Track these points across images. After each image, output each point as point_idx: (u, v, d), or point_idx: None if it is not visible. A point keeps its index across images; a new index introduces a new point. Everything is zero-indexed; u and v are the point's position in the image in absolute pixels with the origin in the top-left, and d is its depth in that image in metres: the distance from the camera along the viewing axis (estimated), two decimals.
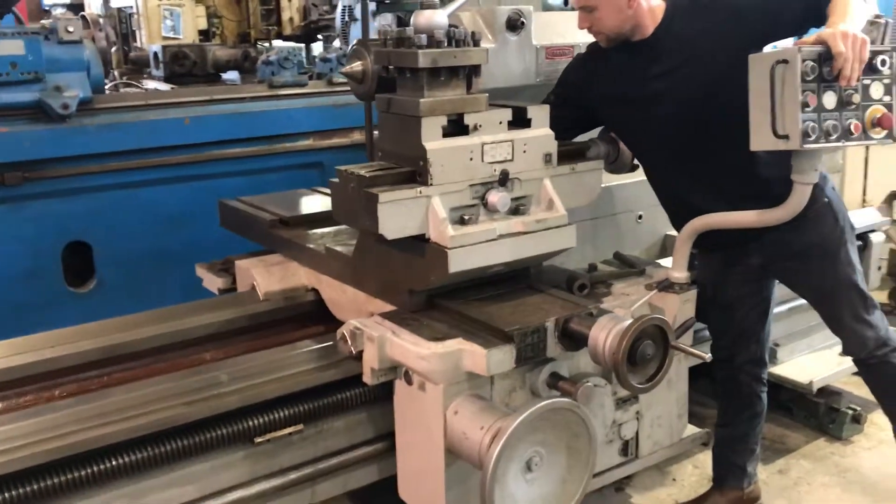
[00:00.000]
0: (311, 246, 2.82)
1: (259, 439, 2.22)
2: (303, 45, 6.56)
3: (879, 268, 3.76)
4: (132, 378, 2.32)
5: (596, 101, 2.66)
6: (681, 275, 2.59)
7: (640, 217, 3.10)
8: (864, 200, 4.45)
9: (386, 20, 4.31)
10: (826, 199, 2.54)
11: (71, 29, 3.34)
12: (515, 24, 2.66)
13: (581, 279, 2.51)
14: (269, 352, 2.46)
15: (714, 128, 2.47)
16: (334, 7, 7.31)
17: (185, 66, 4.75)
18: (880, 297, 4.41)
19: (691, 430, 2.90)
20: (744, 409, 2.87)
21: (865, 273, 3.55)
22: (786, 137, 2.11)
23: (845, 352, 2.74)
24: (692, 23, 2.48)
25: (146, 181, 3.63)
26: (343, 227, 2.94)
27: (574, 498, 2.09)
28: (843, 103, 2.14)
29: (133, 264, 3.34)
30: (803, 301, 3.11)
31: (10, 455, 1.89)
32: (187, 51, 4.82)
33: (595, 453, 2.12)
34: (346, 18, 5.01)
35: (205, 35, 6.59)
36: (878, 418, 3.31)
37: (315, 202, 3.38)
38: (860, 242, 3.60)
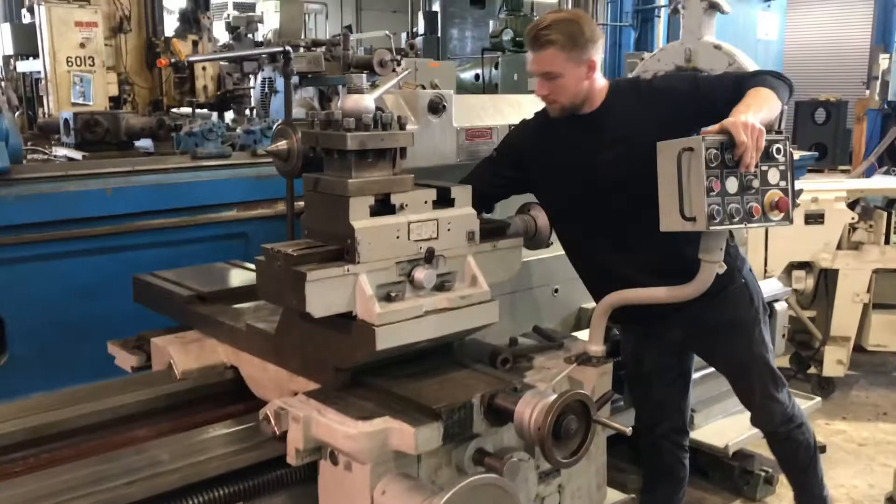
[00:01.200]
0: (231, 322, 2.79)
1: None
2: (215, 113, 6.58)
3: (784, 335, 3.97)
4: (54, 460, 2.22)
5: (534, 166, 2.77)
6: (597, 348, 2.68)
7: (556, 290, 3.20)
8: (765, 271, 4.74)
9: (308, 93, 4.37)
10: (743, 280, 2.74)
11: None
12: (437, 107, 2.76)
13: (504, 353, 2.57)
14: (188, 434, 2.39)
15: (645, 204, 2.56)
16: (246, 76, 7.41)
17: (97, 134, 4.67)
18: (782, 362, 4.67)
19: (616, 495, 2.96)
20: (667, 477, 2.97)
21: (771, 341, 3.79)
22: (693, 219, 2.25)
23: (754, 424, 2.90)
24: (630, 104, 2.66)
25: (64, 253, 3.52)
26: (263, 302, 2.93)
27: None
28: (743, 188, 2.30)
29: (47, 338, 3.22)
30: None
31: None
32: (100, 118, 4.75)
33: None
34: (266, 90, 5.07)
35: (116, 102, 6.53)
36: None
37: (234, 276, 3.34)
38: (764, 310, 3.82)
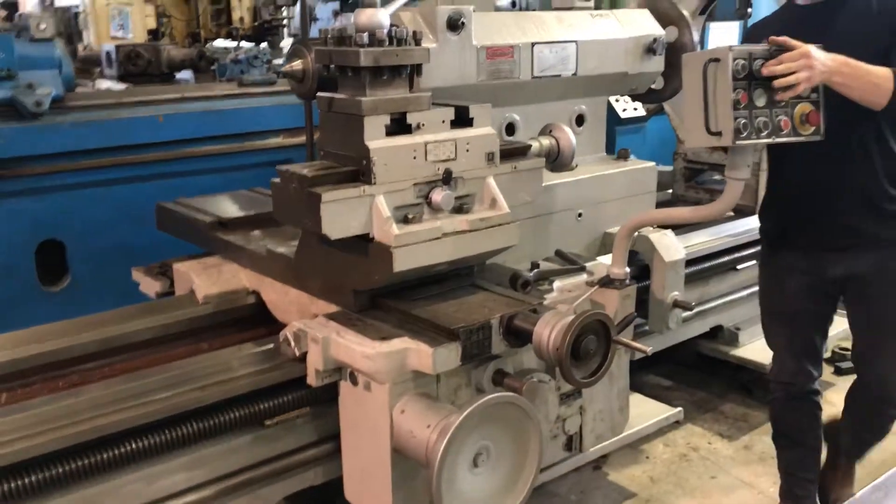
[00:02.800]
0: (252, 247, 2.79)
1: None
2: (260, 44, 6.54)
3: None
4: (85, 381, 2.28)
5: None
6: (620, 271, 2.65)
7: (579, 215, 3.13)
8: None
9: (348, 20, 4.29)
10: None
11: (43, 26, 3.30)
12: (456, 24, 2.67)
13: (524, 277, 2.54)
14: (209, 355, 2.41)
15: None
16: (280, 8, 7.36)
17: (139, 66, 4.69)
18: None
19: (665, 409, 2.97)
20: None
21: None
22: (718, 134, 2.17)
23: (867, 391, 2.73)
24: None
25: (119, 179, 3.59)
26: (284, 227, 2.92)
27: (523, 492, 2.11)
28: (772, 101, 2.21)
29: (104, 261, 3.31)
30: None
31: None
32: (141, 50, 4.76)
33: (542, 447, 2.14)
34: (309, 18, 4.99)
35: (154, 35, 6.53)
36: (832, 395, 3.51)
37: (255, 203, 3.33)
38: None
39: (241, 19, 7.38)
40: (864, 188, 2.47)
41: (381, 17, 2.23)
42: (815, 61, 2.15)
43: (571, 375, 2.13)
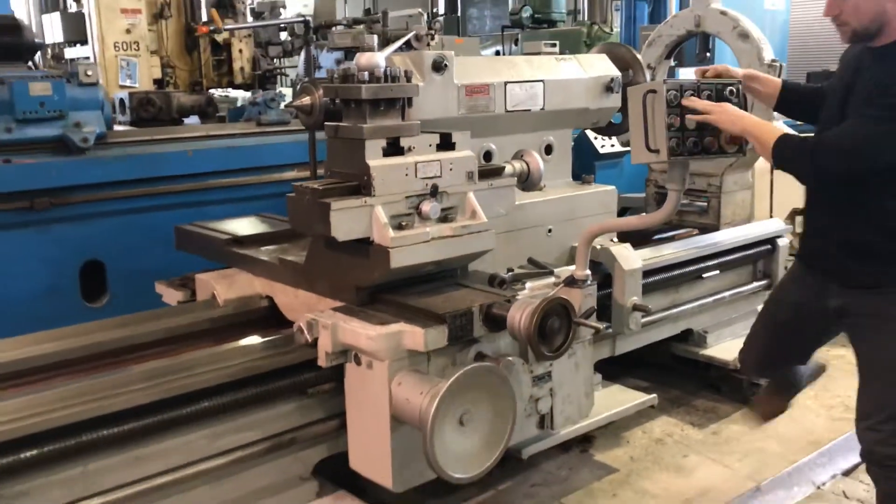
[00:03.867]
0: (265, 258, 3.22)
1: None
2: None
3: (785, 266, 4.43)
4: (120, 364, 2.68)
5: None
6: (582, 273, 3.10)
7: (549, 231, 3.59)
8: (770, 216, 5.10)
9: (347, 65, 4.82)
10: None
11: (89, 73, 3.72)
12: (440, 66, 3.15)
13: (500, 277, 2.98)
14: (233, 343, 2.82)
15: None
16: (272, 59, 7.92)
17: (150, 112, 5.10)
18: None
19: (642, 396, 3.47)
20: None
21: (775, 272, 4.35)
22: (657, 151, 2.65)
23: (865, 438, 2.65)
24: None
25: (154, 206, 4.02)
26: (290, 243, 3.37)
27: (500, 446, 2.53)
28: (700, 125, 2.69)
29: (139, 281, 3.64)
30: (727, 294, 4.08)
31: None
32: (153, 97, 5.18)
33: (515, 411, 2.57)
34: (310, 66, 5.50)
35: (159, 84, 6.97)
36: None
37: (263, 224, 3.78)
38: (769, 246, 4.38)
39: (242, 69, 7.93)
40: (850, 236, 2.64)
41: (378, 59, 2.70)
42: (723, 114, 2.62)
43: (539, 350, 2.56)
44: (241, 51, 7.94)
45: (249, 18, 8.36)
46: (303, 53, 5.98)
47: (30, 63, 4.20)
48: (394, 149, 2.72)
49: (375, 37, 3.01)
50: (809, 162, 2.52)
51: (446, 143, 2.85)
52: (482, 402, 2.51)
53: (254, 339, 2.83)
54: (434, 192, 2.77)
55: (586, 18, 9.85)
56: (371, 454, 2.70)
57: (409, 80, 2.76)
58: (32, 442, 2.19)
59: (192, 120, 5.72)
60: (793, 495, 3.22)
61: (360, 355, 2.64)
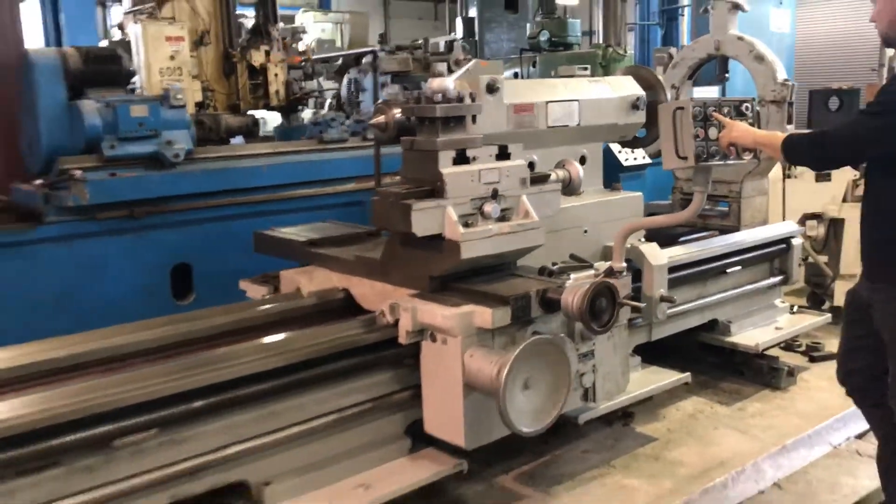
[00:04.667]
0: (343, 256, 3.71)
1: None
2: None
3: (799, 264, 4.94)
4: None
5: None
6: (619, 265, 3.57)
7: (585, 231, 4.08)
8: (783, 218, 5.59)
9: (393, 90, 5.34)
10: None
11: (179, 97, 4.24)
12: (493, 88, 3.65)
13: (549, 269, 3.46)
14: (325, 325, 3.30)
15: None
16: (300, 81, 8.45)
17: (201, 132, 5.61)
18: (800, 299, 5.66)
19: (676, 374, 3.96)
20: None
21: (789, 268, 4.86)
22: (685, 158, 3.14)
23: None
24: None
25: (233, 215, 4.53)
26: (358, 244, 3.86)
27: (559, 405, 2.99)
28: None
29: (223, 281, 4.08)
30: (748, 287, 4.58)
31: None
32: (203, 118, 5.67)
33: (571, 377, 3.04)
34: (353, 89, 6.02)
35: (199, 106, 7.48)
36: (807, 375, 4.60)
37: (328, 229, 4.25)
38: (784, 245, 4.85)
39: (277, 92, 8.48)
40: (873, 233, 2.96)
41: (448, 83, 3.21)
42: (735, 131, 3.12)
43: (590, 326, 3.03)
44: (276, 75, 8.49)
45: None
46: (345, 79, 6.51)
47: None
48: (461, 158, 3.21)
49: (445, 65, 3.51)
50: (815, 150, 2.93)
51: (503, 154, 3.34)
52: (542, 369, 2.98)
53: (341, 323, 3.30)
54: (494, 195, 3.26)
55: (601, 41, 10.38)
56: (445, 418, 3.16)
57: (473, 99, 3.25)
58: (199, 394, 2.67)
59: (237, 140, 6.23)
60: (813, 454, 3.67)
61: (436, 333, 3.10)
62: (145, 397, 2.51)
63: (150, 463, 2.57)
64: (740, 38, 4.98)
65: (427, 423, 3.26)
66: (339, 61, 8.01)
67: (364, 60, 6.38)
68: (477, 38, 13.37)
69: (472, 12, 14.52)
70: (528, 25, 11.73)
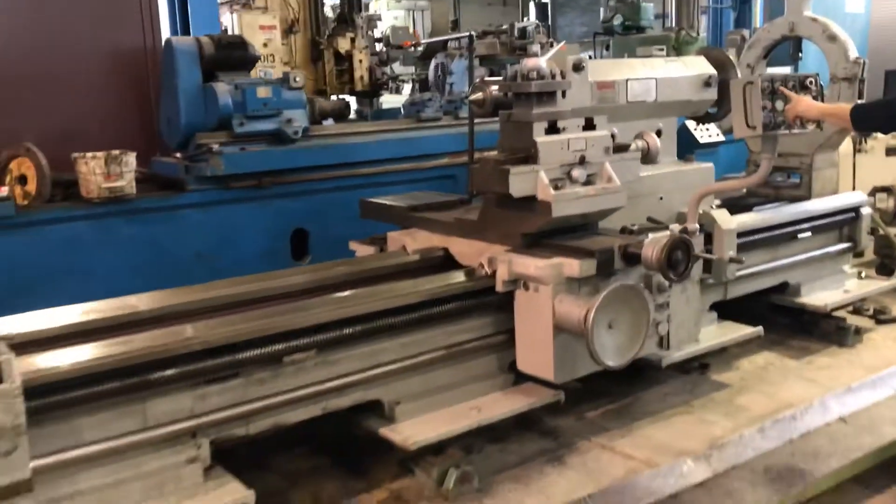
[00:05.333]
0: (442, 218, 4.19)
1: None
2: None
3: (868, 232, 5.27)
4: None
5: None
6: (693, 225, 3.95)
7: (661, 198, 4.46)
8: (853, 190, 5.86)
9: (480, 72, 5.81)
10: None
11: (298, 79, 4.79)
12: (579, 67, 4.06)
13: (629, 228, 3.88)
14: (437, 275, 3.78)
15: None
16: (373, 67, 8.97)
17: None
18: (870, 271, 5.88)
19: (750, 328, 4.35)
20: None
21: (859, 235, 5.23)
22: (754, 128, 3.51)
23: None
24: None
25: (343, 186, 5.07)
26: (452, 209, 4.32)
27: (638, 344, 3.42)
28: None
29: (336, 245, 4.54)
30: (817, 252, 4.91)
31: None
32: None
33: (650, 317, 3.46)
34: (440, 73, 6.51)
35: None
36: (873, 335, 5.01)
37: (425, 197, 4.73)
38: (853, 214, 5.19)
39: (362, 77, 9.03)
40: None
41: (541, 63, 3.64)
42: (800, 105, 3.45)
43: (668, 275, 3.44)
44: (360, 61, 9.05)
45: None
46: (432, 61, 7.00)
47: None
48: (552, 129, 3.64)
49: (538, 46, 3.95)
50: (882, 111, 3.33)
51: (589, 125, 3.77)
52: (624, 312, 3.41)
53: (446, 274, 3.79)
54: (581, 161, 3.68)
55: (674, 24, 10.62)
56: (537, 357, 3.61)
57: (562, 77, 3.68)
58: (348, 323, 3.22)
59: (328, 122, 6.75)
60: (876, 394, 4.00)
61: (529, 282, 3.56)
62: (308, 323, 3.08)
63: (309, 379, 3.13)
64: (814, 20, 5.26)
65: (520, 362, 3.71)
66: (422, 48, 8.50)
67: (450, 45, 6.84)
68: (550, 21, 13.69)
69: None
70: (601, 10, 12.05)
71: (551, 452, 3.66)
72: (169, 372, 2.74)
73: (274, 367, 3.04)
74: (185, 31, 5.07)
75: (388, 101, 9.88)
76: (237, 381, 2.98)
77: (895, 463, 3.34)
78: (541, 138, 3.60)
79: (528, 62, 3.64)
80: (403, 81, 13.13)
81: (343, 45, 9.09)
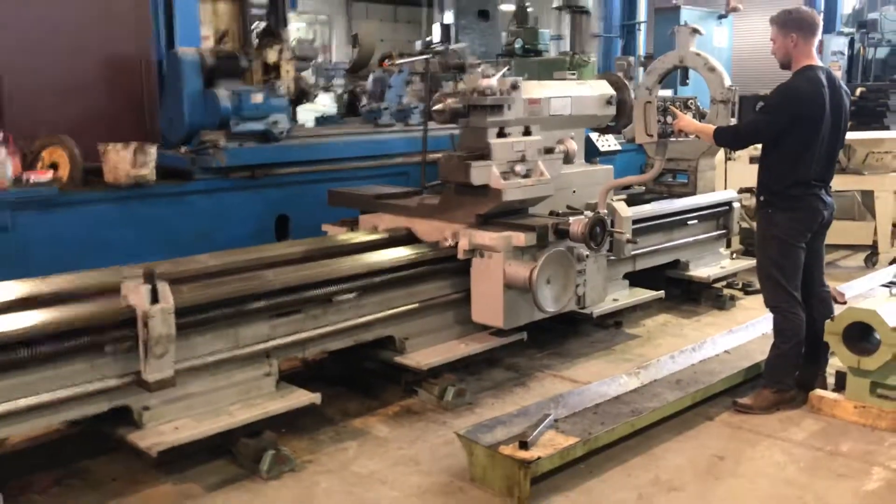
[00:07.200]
0: (406, 203, 5.20)
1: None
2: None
3: (737, 222, 6.67)
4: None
5: None
6: (603, 211, 5.13)
7: (574, 191, 5.60)
8: (725, 188, 7.25)
9: (417, 86, 6.84)
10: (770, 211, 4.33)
11: (282, 87, 5.65)
12: (516, 86, 5.14)
13: (556, 212, 5.01)
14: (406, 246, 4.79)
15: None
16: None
17: None
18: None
19: (653, 292, 5.58)
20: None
21: (731, 224, 6.61)
22: (651, 136, 4.70)
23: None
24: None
25: (319, 179, 5.88)
26: (409, 197, 5.33)
27: (569, 295, 4.56)
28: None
29: (312, 227, 5.34)
30: (701, 236, 6.20)
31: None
32: None
33: (575, 276, 4.61)
34: (381, 87, 7.49)
35: None
36: (743, 302, 6.32)
37: (385, 189, 5.73)
38: (727, 207, 6.53)
39: (289, 87, 9.91)
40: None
41: (493, 81, 4.73)
42: (683, 121, 4.66)
43: (590, 245, 4.59)
44: (287, 71, 9.93)
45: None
46: (371, 76, 8.00)
47: None
48: (501, 133, 4.74)
49: (490, 67, 5.04)
50: (729, 135, 4.60)
51: (527, 132, 4.89)
52: (559, 271, 4.54)
53: (417, 244, 4.81)
54: (523, 159, 4.80)
55: (569, 48, 11.99)
56: (489, 309, 4.67)
57: (509, 93, 4.79)
58: (369, 275, 4.22)
59: None
60: (749, 335, 5.13)
61: (484, 251, 4.62)
62: (351, 272, 4.13)
63: (346, 317, 4.11)
64: (698, 54, 6.63)
65: (475, 314, 4.76)
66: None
67: (387, 63, 7.88)
68: (453, 42, 14.83)
69: (447, 18, 16.07)
70: (502, 34, 13.36)
71: (516, 380, 4.80)
72: (255, 305, 3.68)
73: (325, 305, 4.01)
74: (171, 44, 5.82)
75: (301, 108, 10.81)
76: (299, 315, 3.93)
77: (757, 378, 4.56)
78: (493, 140, 4.69)
79: (483, 81, 4.73)
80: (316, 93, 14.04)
81: (271, 56, 9.95)
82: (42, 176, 4.67)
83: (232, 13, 9.88)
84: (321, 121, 8.90)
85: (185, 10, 5.89)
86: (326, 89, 13.13)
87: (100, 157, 4.96)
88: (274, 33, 10.51)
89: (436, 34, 15.59)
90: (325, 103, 12.83)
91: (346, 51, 26.06)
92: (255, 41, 10.27)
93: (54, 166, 4.84)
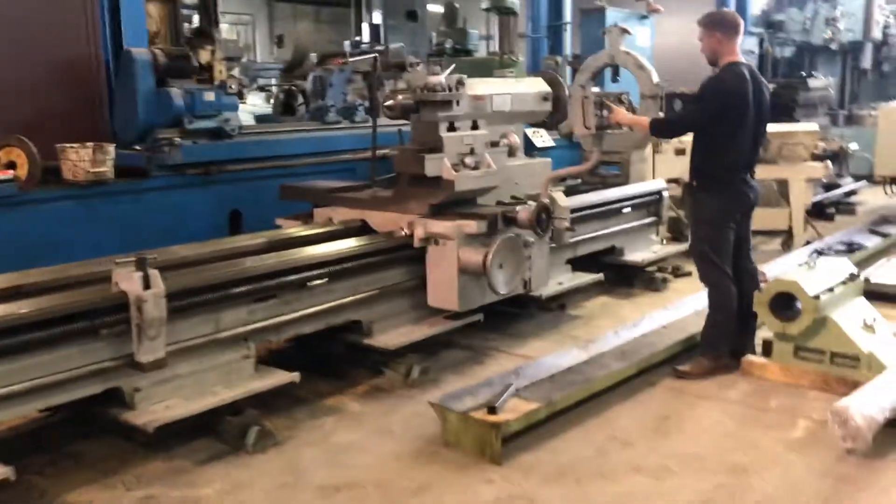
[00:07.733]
0: (360, 196, 5.44)
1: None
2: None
3: (667, 210, 7.09)
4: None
5: None
6: (545, 201, 5.47)
7: (516, 183, 5.94)
8: (653, 178, 7.67)
9: (358, 84, 7.07)
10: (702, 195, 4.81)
11: (233, 86, 5.77)
12: (461, 83, 5.46)
13: (503, 202, 5.33)
14: (361, 237, 5.02)
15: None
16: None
17: None
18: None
19: (594, 275, 5.98)
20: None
21: (661, 212, 7.03)
22: (589, 128, 5.06)
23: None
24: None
25: (271, 175, 6.03)
26: (360, 190, 5.58)
27: (519, 278, 4.87)
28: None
29: (264, 224, 5.42)
30: (634, 224, 6.59)
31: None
32: None
33: (524, 261, 4.93)
34: (319, 85, 7.64)
35: None
36: (674, 285, 6.76)
37: (336, 183, 5.95)
38: (657, 196, 6.94)
39: None
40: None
41: (442, 78, 5.01)
42: (619, 115, 5.04)
43: (536, 230, 4.92)
44: (220, 71, 10.00)
45: None
46: (310, 76, 8.15)
47: None
48: (451, 127, 5.03)
49: (440, 67, 5.31)
50: (664, 126, 5.01)
51: (475, 126, 5.19)
52: (510, 256, 4.85)
53: (373, 235, 5.05)
54: (471, 152, 5.09)
55: (497, 49, 12.34)
56: (444, 294, 4.95)
57: (458, 90, 5.08)
58: (338, 261, 4.41)
59: None
60: (682, 312, 5.48)
61: (439, 238, 4.90)
62: (324, 258, 4.36)
63: (317, 301, 4.31)
64: (627, 53, 7.03)
65: (431, 299, 5.03)
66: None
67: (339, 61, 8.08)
68: (382, 43, 15.03)
69: (376, 19, 16.22)
70: (431, 35, 13.59)
71: (473, 358, 5.11)
72: (237, 290, 3.87)
73: (298, 291, 4.22)
74: (117, 44, 5.89)
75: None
76: (274, 300, 4.12)
77: (693, 348, 4.97)
78: (444, 134, 4.97)
79: (433, 78, 5.00)
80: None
81: (204, 56, 10.00)
82: (1, 175, 4.73)
83: (162, 14, 9.94)
84: (261, 119, 9.00)
85: (132, 10, 5.95)
86: (262, 88, 13.18)
87: (57, 156, 5.03)
88: (206, 34, 10.62)
89: (365, 34, 15.73)
90: (255, 103, 12.91)
91: (270, 51, 26.12)
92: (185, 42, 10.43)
93: (12, 166, 4.88)
